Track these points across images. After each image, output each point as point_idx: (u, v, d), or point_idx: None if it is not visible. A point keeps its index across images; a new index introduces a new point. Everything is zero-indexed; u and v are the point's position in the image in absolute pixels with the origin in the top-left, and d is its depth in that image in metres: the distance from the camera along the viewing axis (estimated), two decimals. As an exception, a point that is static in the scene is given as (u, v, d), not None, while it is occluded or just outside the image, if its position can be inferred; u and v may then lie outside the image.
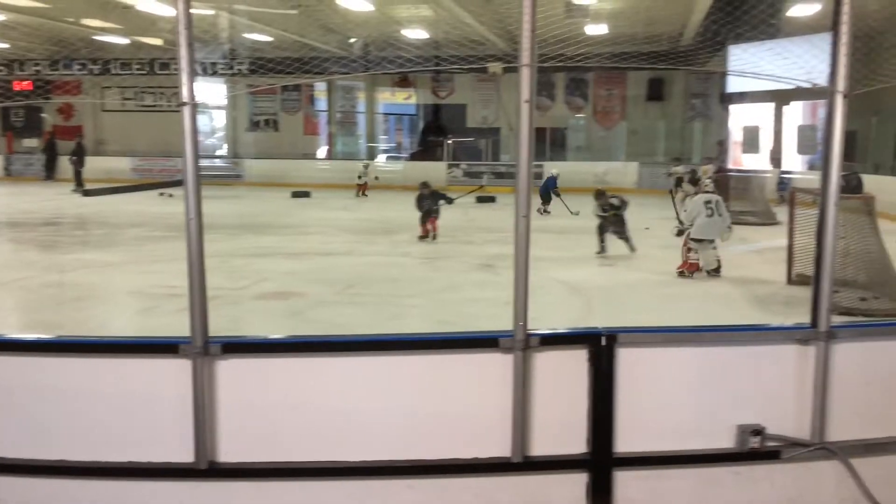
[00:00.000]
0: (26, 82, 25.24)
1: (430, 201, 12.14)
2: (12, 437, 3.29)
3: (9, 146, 26.54)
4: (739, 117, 20.99)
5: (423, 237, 12.14)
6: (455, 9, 15.48)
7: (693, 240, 9.14)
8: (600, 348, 3.25)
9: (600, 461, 3.30)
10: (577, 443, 3.31)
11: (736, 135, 21.05)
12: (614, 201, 10.83)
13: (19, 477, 3.29)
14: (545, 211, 15.77)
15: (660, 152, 23.12)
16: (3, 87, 25.65)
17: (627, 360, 3.28)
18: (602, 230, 10.80)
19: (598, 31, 17.17)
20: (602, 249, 10.71)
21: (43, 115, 26.57)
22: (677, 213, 10.42)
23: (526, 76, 3.05)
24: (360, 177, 20.36)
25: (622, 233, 10.85)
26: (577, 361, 3.28)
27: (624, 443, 3.31)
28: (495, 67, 19.12)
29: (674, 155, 22.25)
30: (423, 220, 12.18)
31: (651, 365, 3.34)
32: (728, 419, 3.34)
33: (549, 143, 23.40)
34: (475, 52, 18.76)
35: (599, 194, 11.05)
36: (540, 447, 3.30)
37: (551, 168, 17.27)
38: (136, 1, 16.19)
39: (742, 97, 19.97)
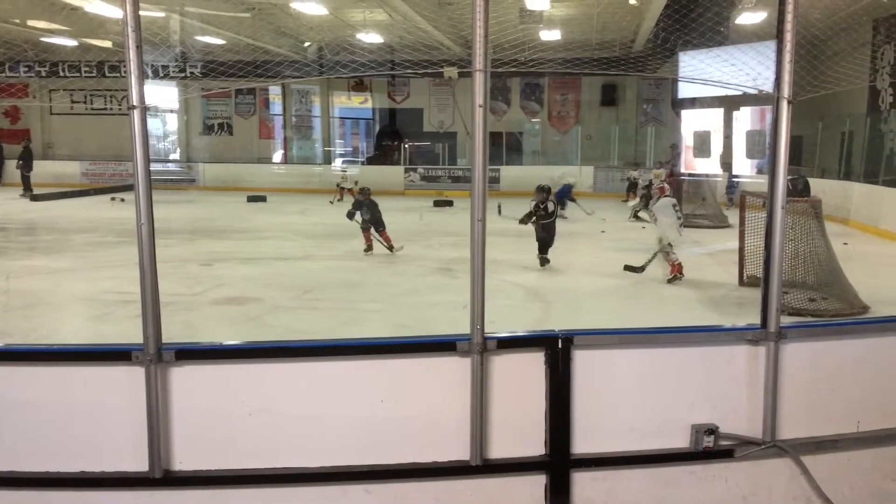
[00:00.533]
0: (-31, 85, 24.57)
1: (365, 210, 11.06)
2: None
3: (-48, 150, 25.75)
4: (691, 122, 21.39)
5: (369, 249, 11.21)
6: (410, 13, 15.50)
7: (670, 244, 9.17)
8: (557, 350, 3.28)
9: (558, 463, 3.33)
10: (535, 445, 3.33)
11: (688, 139, 21.46)
12: (550, 206, 10.23)
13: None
14: (563, 217, 15.56)
15: (614, 156, 23.46)
16: (-55, 90, 24.93)
17: (584, 361, 3.31)
18: (544, 245, 10.17)
19: (551, 36, 17.34)
20: (544, 262, 10.14)
21: (-12, 118, 25.83)
22: (647, 209, 9.94)
23: (479, 81, 3.07)
24: (338, 184, 19.81)
25: (548, 241, 10.17)
26: (534, 364, 3.30)
27: (581, 444, 3.35)
28: (450, 72, 19.19)
29: (628, 159, 22.65)
30: (363, 229, 11.19)
31: (607, 366, 3.39)
32: (683, 419, 3.40)
33: (505, 147, 23.57)
34: (431, 57, 18.81)
35: (542, 189, 10.39)
36: (499, 450, 3.31)
37: (568, 176, 17.26)
38: (84, 2, 15.86)
39: (693, 103, 20.35)
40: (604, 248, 11.99)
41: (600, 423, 3.37)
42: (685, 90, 20.64)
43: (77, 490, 3.20)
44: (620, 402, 3.39)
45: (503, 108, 23.97)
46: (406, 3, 14.72)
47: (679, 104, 21.74)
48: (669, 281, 9.12)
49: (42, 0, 17.19)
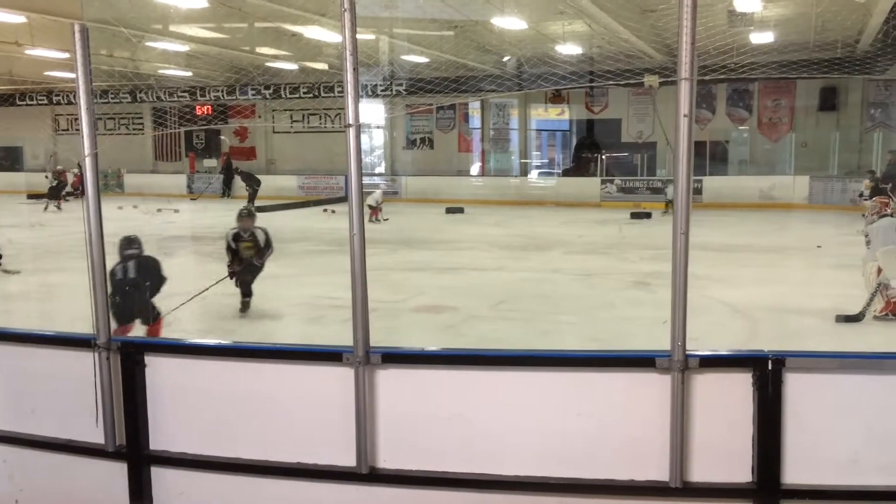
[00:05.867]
0: (207, 107, 27.57)
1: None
2: (194, 435, 3.58)
3: (191, 166, 28.95)
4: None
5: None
6: (611, 23, 15.28)
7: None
8: (766, 372, 3.09)
9: (767, 492, 3.12)
10: (740, 471, 3.15)
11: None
12: (259, 233, 8.21)
13: (201, 472, 3.57)
14: None
15: (834, 166, 21.65)
16: (187, 112, 28.14)
17: (797, 385, 3.09)
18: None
19: (763, 39, 16.37)
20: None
21: (221, 137, 28.75)
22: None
23: (685, 90, 2.97)
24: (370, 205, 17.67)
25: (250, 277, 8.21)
26: (740, 385, 3.13)
27: (793, 474, 3.12)
28: (652, 80, 18.66)
29: (849, 168, 20.91)
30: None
31: (824, 392, 3.13)
32: (913, 455, 3.06)
33: (709, 157, 22.52)
34: (631, 66, 18.42)
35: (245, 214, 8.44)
36: (699, 473, 3.17)
37: None
38: (305, 29, 17.24)
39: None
40: (820, 265, 11.07)
41: (815, 454, 3.12)
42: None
43: (292, 479, 3.46)
44: (840, 431, 3.12)
45: (707, 115, 22.90)
46: (607, 13, 14.53)
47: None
48: (877, 317, 7.79)
49: (269, 28, 18.92)
